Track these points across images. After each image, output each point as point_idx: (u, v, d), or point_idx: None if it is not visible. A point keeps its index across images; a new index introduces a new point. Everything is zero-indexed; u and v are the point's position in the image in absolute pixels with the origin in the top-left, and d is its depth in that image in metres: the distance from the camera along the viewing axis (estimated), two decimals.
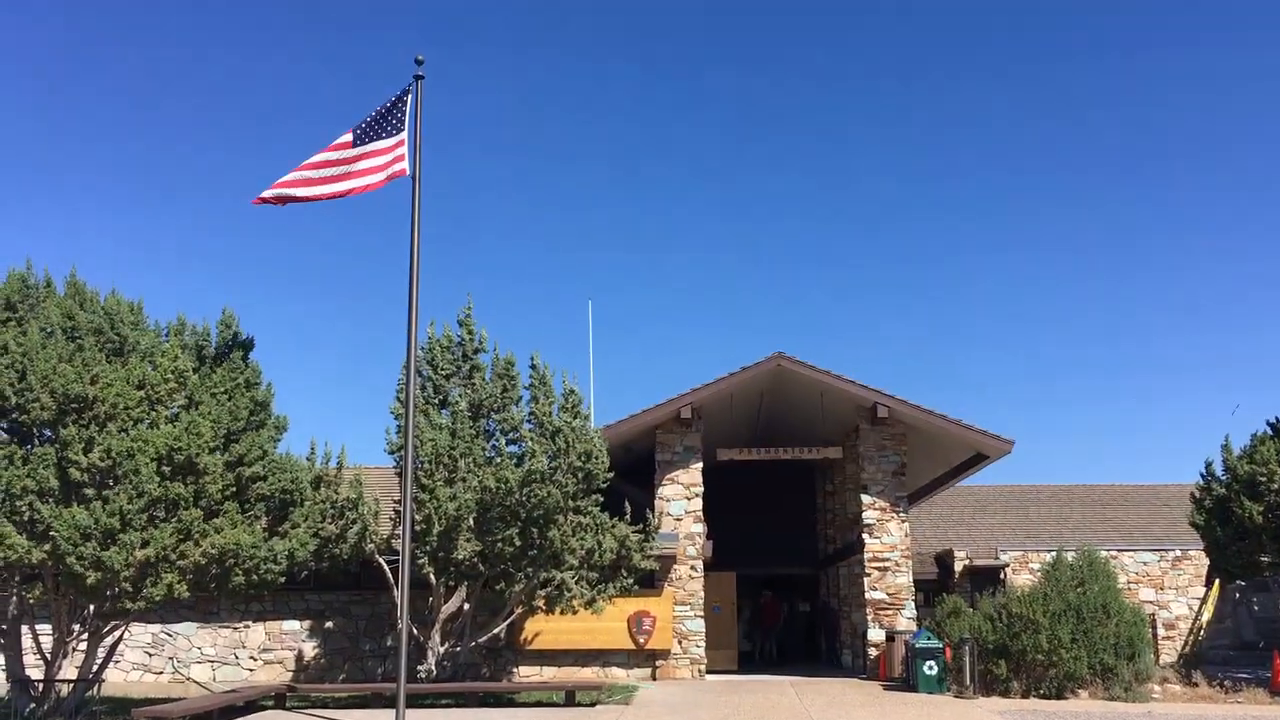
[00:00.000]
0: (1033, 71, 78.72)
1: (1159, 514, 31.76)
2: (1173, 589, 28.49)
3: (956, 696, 17.52)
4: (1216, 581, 26.91)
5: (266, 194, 13.85)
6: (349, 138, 13.97)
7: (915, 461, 23.43)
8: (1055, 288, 78.56)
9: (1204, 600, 27.88)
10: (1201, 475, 21.54)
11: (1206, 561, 24.20)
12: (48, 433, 13.99)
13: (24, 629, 15.24)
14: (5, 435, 13.98)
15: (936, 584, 28.38)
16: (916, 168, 79.93)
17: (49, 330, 14.57)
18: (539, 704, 17.06)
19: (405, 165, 13.87)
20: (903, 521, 22.21)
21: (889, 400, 21.82)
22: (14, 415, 13.73)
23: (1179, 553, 28.66)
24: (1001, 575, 28.19)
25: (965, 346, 79.60)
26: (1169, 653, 27.06)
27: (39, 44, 70.59)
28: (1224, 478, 20.92)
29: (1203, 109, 74.29)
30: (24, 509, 13.13)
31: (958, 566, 28.49)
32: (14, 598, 14.72)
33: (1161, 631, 27.66)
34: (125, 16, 71.59)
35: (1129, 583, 27.46)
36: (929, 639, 18.45)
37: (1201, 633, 27.63)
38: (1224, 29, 71.81)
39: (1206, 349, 75.68)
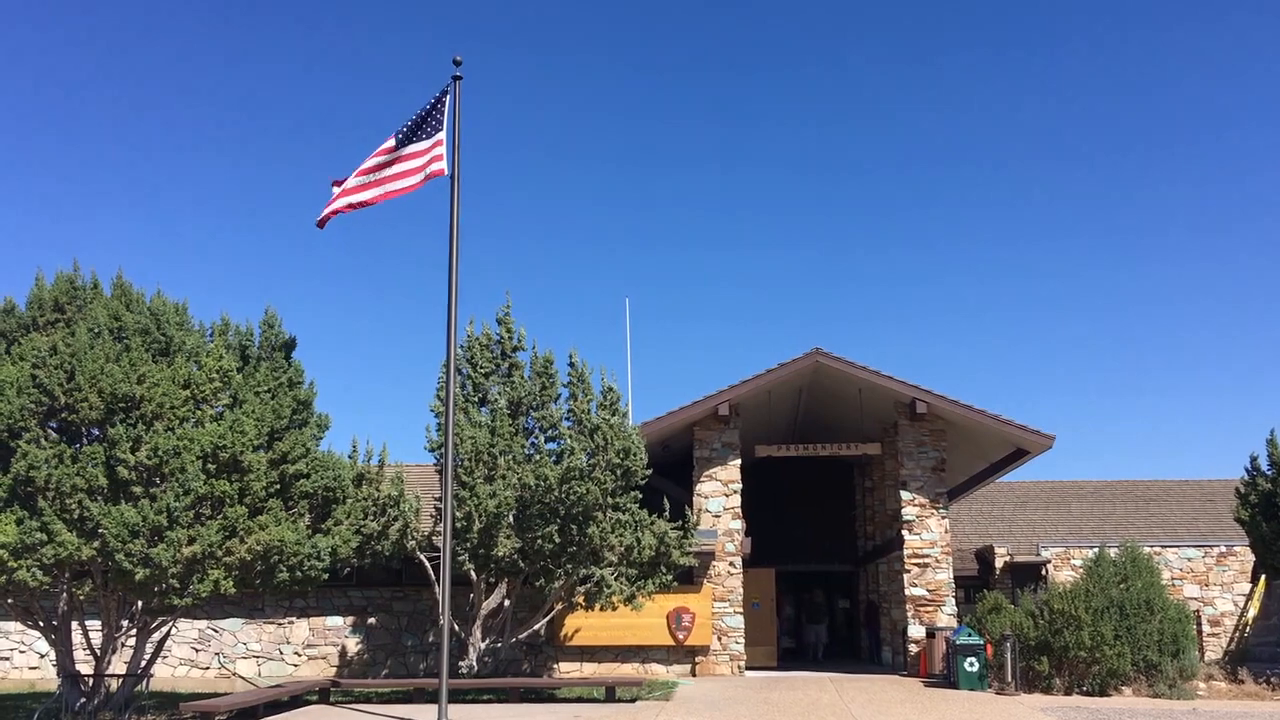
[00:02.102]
0: (1078, 48, 78.00)
1: (1203, 509, 31.39)
2: (1218, 585, 28.16)
3: (998, 693, 17.43)
4: (1262, 578, 26.51)
5: (326, 212, 14.22)
6: (392, 143, 14.15)
7: (955, 457, 23.32)
8: (1096, 279, 77.78)
9: (1249, 597, 27.49)
10: (1247, 470, 21.28)
11: (1252, 557, 23.92)
12: (96, 432, 14.20)
13: (74, 625, 15.50)
14: (55, 434, 14.21)
15: (977, 580, 28.22)
16: (949, 156, 79.40)
17: (96, 331, 14.79)
18: (580, 699, 17.14)
19: (443, 165, 13.99)
20: (943, 518, 22.11)
21: (928, 396, 21.73)
22: (63, 415, 13.96)
23: (1224, 548, 28.32)
24: (1043, 571, 27.98)
25: (1005, 341, 78.98)
26: (1214, 650, 26.76)
27: (81, 51, 71.64)
28: (1270, 472, 20.67)
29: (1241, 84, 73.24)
30: (74, 507, 13.35)
31: (998, 563, 28.30)
32: (64, 594, 14.98)
33: (1206, 628, 27.36)
34: (161, 22, 72.50)
35: (1173, 579, 27.19)
36: (970, 635, 18.37)
37: (1247, 629, 27.25)
38: None
39: (1252, 340, 74.65)
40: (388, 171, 14.10)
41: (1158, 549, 27.35)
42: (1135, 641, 17.60)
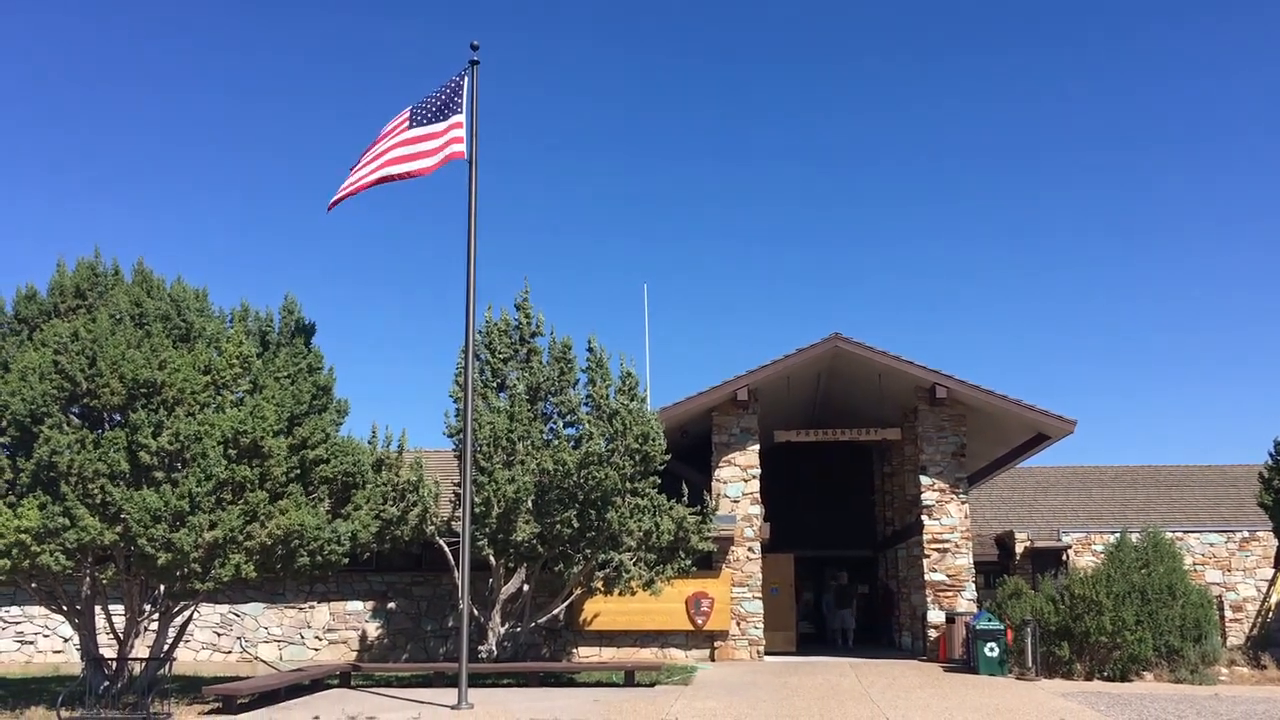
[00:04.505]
0: (1097, 39, 77.36)
1: (1226, 494, 31.19)
2: (1240, 570, 27.98)
3: (1018, 678, 17.39)
4: None
5: (337, 195, 14.22)
6: (405, 121, 14.11)
7: (975, 442, 23.21)
8: (1117, 266, 77.28)
9: (1272, 582, 27.32)
10: (1270, 454, 21.12)
11: (1275, 542, 23.76)
12: (118, 417, 14.28)
13: (97, 609, 15.61)
14: (77, 420, 14.30)
15: (997, 566, 28.12)
16: (967, 147, 78.92)
17: (118, 317, 14.87)
18: (599, 684, 17.18)
19: (461, 148, 13.97)
20: (962, 503, 22.03)
21: (948, 380, 21.62)
22: (85, 400, 14.04)
23: (1246, 534, 28.13)
24: (1063, 557, 27.87)
25: (1026, 326, 78.60)
26: (1236, 635, 26.62)
27: (102, 45, 71.92)
28: None
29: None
30: (96, 492, 13.43)
31: (1019, 548, 28.20)
32: (87, 578, 15.07)
33: (1228, 614, 27.20)
34: (179, 13, 72.67)
35: (1195, 564, 27.00)
36: (990, 621, 18.31)
37: (1270, 615, 27.11)
38: None
39: (1275, 325, 74.01)
40: (403, 151, 14.08)
41: (1179, 534, 27.15)
42: (1157, 627, 17.51)
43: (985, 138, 78.11)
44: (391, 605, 21.95)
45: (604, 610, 20.71)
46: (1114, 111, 77.89)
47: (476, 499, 16.78)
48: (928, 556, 21.79)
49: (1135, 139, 76.96)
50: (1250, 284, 74.06)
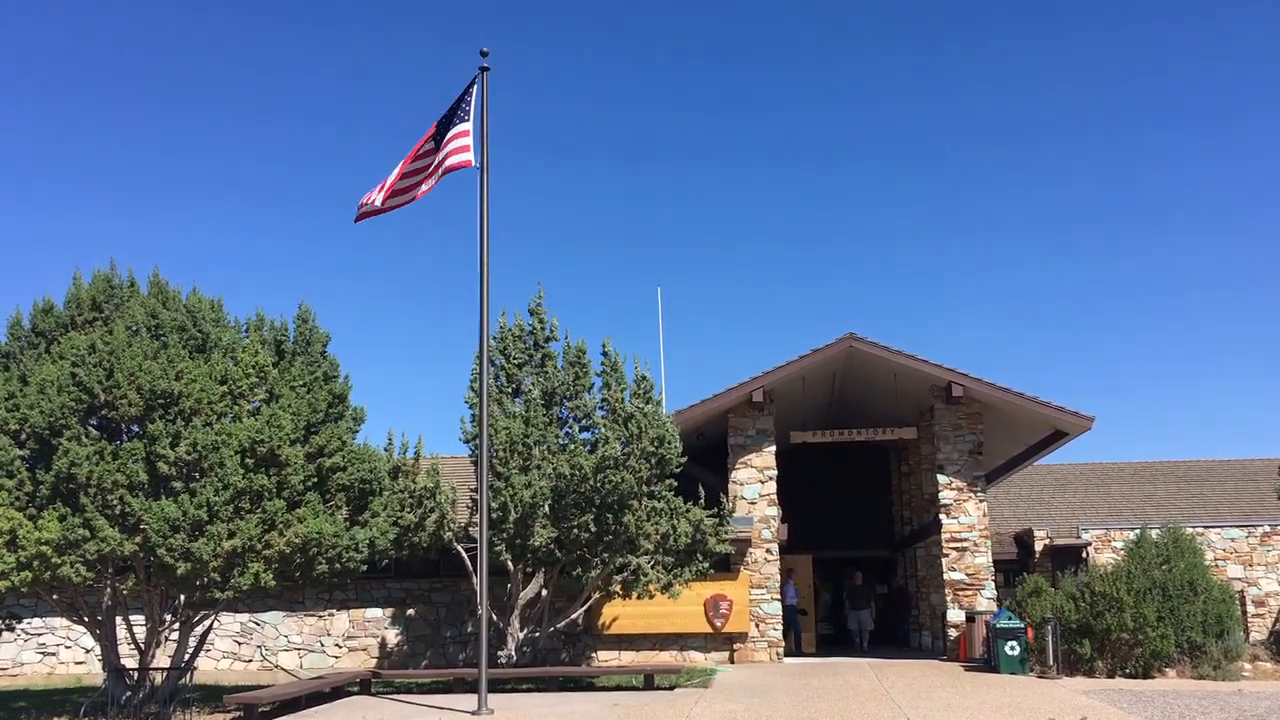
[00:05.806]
0: (1119, 30, 77.01)
1: (1245, 489, 31.01)
2: (1261, 565, 27.78)
3: (1039, 677, 17.31)
4: None
5: (365, 210, 14.37)
6: (430, 137, 14.24)
7: (992, 440, 23.11)
8: (1133, 260, 76.88)
9: None
10: None
11: None
12: (136, 428, 14.33)
13: (118, 619, 15.68)
14: (95, 432, 14.37)
15: (1016, 564, 28.00)
16: (985, 140, 78.67)
17: (134, 329, 14.93)
18: (618, 688, 17.16)
19: (468, 157, 14.03)
20: (980, 501, 21.93)
21: (964, 379, 21.54)
22: (103, 412, 14.10)
23: (1268, 528, 27.93)
24: (1083, 554, 27.71)
25: (1041, 322, 78.27)
26: (1259, 630, 26.43)
27: (114, 55, 72.31)
28: None
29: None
30: (115, 503, 13.47)
31: (1038, 546, 28.07)
32: (108, 589, 15.14)
33: (1250, 609, 27.01)
34: (196, 27, 73.01)
35: (1216, 560, 26.80)
36: (1010, 619, 18.23)
37: None
38: None
39: None
40: (426, 169, 14.23)
41: (1200, 529, 26.97)
42: (1178, 623, 17.41)
43: (989, 135, 77.86)
44: (410, 612, 21.98)
45: (622, 614, 20.70)
46: (1124, 102, 77.56)
47: (493, 504, 16.79)
48: (946, 555, 21.71)
49: (1154, 127, 76.64)
50: (1267, 276, 73.60)
